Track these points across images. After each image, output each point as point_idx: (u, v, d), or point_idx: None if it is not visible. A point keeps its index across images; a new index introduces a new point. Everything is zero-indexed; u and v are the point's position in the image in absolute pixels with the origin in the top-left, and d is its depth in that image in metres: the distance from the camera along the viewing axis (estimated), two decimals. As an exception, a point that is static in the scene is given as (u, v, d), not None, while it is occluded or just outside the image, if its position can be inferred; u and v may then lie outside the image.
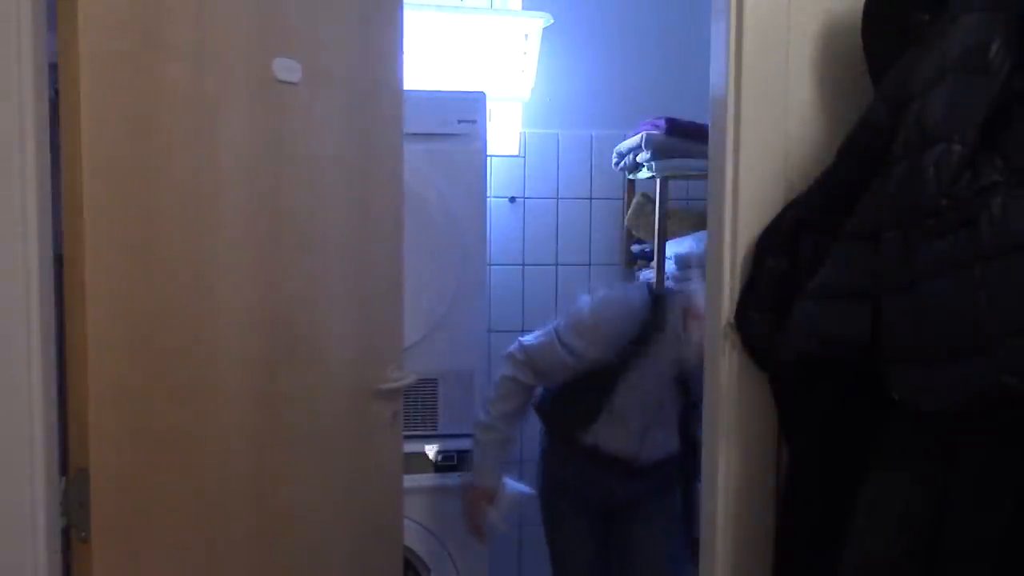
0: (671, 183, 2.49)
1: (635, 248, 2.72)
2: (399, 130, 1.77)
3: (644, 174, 2.58)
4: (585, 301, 2.04)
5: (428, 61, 2.44)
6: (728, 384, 1.25)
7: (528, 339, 2.06)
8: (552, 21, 2.59)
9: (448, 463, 2.26)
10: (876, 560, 0.96)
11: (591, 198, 2.78)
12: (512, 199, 2.73)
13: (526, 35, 2.56)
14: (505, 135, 2.69)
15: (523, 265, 2.76)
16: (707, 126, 1.33)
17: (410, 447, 2.10)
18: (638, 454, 2.07)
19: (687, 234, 2.65)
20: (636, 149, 2.52)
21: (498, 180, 2.70)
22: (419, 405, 2.28)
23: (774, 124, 1.22)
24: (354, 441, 1.71)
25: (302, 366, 1.58)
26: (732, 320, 1.22)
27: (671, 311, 1.98)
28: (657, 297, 2.05)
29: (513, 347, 2.07)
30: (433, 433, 2.32)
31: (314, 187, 1.60)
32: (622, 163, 2.66)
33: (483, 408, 2.11)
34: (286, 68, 1.50)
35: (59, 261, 1.22)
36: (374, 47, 1.72)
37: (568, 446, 2.13)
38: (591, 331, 1.99)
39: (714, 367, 1.27)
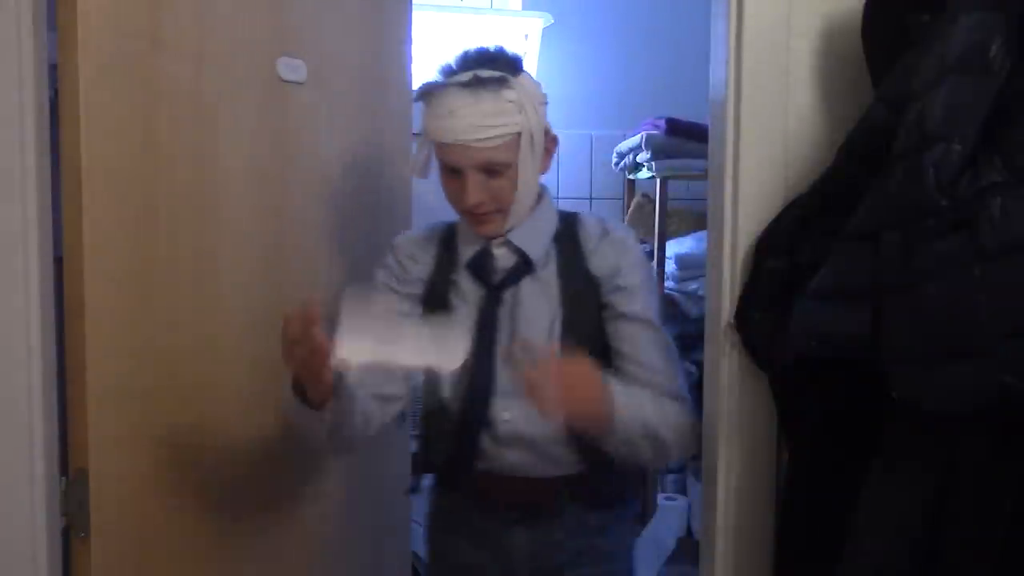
0: (671, 183, 2.49)
1: (635, 248, 2.72)
2: (408, 129, 1.77)
3: (644, 174, 2.58)
4: None
5: (428, 61, 2.44)
6: (728, 384, 1.24)
7: None
8: (552, 21, 2.59)
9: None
10: (876, 560, 0.96)
11: (591, 198, 2.78)
12: (512, 199, 2.73)
13: (526, 35, 2.56)
14: (505, 135, 2.69)
15: (523, 265, 2.75)
16: (707, 126, 1.33)
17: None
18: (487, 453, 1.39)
19: (687, 234, 2.66)
20: (636, 149, 2.52)
21: (498, 180, 2.69)
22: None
23: (774, 124, 1.22)
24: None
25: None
26: (732, 320, 1.22)
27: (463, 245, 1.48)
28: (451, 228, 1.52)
29: None
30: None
31: (320, 187, 1.60)
32: (622, 163, 2.66)
33: None
34: (291, 68, 1.50)
35: (59, 262, 1.22)
36: (382, 46, 1.72)
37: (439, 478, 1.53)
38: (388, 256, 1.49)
39: (714, 367, 1.27)
